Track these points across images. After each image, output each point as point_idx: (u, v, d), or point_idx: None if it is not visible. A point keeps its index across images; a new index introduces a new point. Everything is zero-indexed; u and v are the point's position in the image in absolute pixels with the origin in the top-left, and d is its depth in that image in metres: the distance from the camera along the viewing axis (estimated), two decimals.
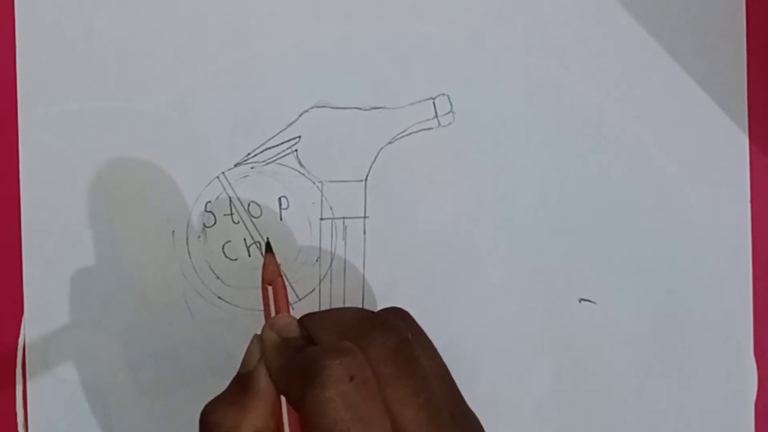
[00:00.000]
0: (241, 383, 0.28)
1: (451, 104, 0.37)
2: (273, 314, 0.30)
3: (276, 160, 0.36)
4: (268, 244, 0.32)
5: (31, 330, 0.36)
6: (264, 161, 0.36)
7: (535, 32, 0.37)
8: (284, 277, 0.31)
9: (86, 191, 0.36)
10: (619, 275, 0.38)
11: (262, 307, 0.36)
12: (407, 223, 0.37)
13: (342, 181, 0.37)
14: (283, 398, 0.27)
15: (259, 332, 0.29)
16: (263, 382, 0.27)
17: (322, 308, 0.36)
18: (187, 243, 0.36)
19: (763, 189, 0.38)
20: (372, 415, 0.24)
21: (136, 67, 0.36)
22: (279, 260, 0.31)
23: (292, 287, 0.36)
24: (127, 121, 0.36)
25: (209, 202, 0.36)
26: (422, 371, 0.26)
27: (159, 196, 0.36)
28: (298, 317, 0.29)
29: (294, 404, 0.26)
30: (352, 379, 0.25)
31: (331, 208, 0.37)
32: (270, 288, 0.30)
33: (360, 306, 0.37)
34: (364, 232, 0.37)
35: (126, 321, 0.36)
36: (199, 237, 0.36)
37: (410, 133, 0.37)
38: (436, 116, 0.37)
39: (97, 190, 0.36)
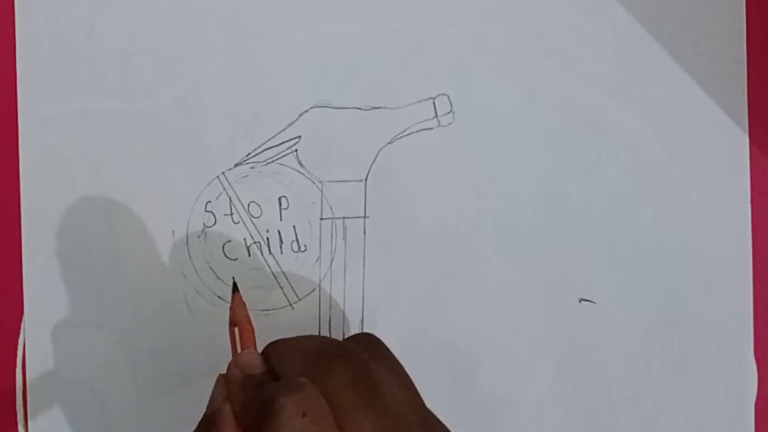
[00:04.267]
0: (206, 424, 0.28)
1: (451, 104, 0.37)
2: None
3: (276, 160, 0.36)
4: (234, 285, 0.32)
5: (31, 330, 0.36)
6: (264, 161, 0.36)
7: (535, 32, 0.37)
8: (250, 318, 0.31)
9: (86, 191, 0.36)
10: (619, 275, 0.38)
11: (261, 308, 0.36)
12: (407, 223, 0.37)
13: (342, 181, 0.37)
14: None
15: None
16: (228, 421, 0.27)
17: (322, 308, 0.36)
18: (187, 243, 0.36)
19: (763, 189, 0.38)
20: None
21: (136, 67, 0.36)
22: (245, 300, 0.31)
23: (292, 287, 0.36)
24: (127, 121, 0.36)
25: (209, 202, 0.36)
26: (382, 400, 0.26)
27: (159, 196, 0.36)
28: (266, 344, 0.29)
29: None
30: (304, 415, 0.25)
31: (331, 208, 0.37)
32: (236, 329, 0.30)
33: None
34: (364, 232, 0.37)
35: (126, 321, 0.36)
36: (199, 237, 0.36)
37: (410, 133, 0.37)
38: (436, 116, 0.37)
39: (97, 190, 0.36)
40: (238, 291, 0.32)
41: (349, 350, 0.27)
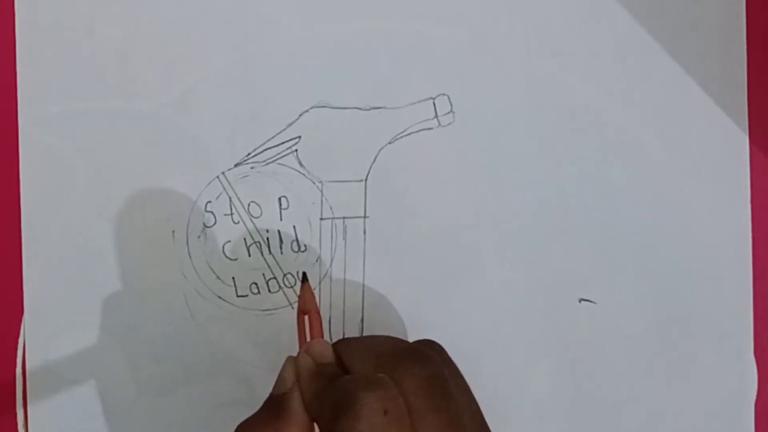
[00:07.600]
0: (275, 405, 0.27)
1: (451, 104, 0.37)
2: (309, 340, 0.30)
3: (276, 160, 0.36)
4: (304, 275, 0.32)
5: (31, 330, 0.36)
6: (264, 161, 0.36)
7: (535, 32, 0.37)
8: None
9: (86, 191, 0.36)
10: (619, 275, 0.38)
11: (261, 308, 0.36)
12: (407, 223, 0.37)
13: (342, 181, 0.37)
14: (316, 425, 0.27)
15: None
16: (297, 406, 0.27)
17: (322, 308, 0.36)
18: (187, 243, 0.36)
19: (763, 189, 0.38)
20: None
21: (136, 67, 0.36)
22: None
23: (292, 287, 0.36)
24: (127, 121, 0.36)
25: (209, 202, 0.36)
26: (456, 407, 0.26)
27: (159, 196, 0.36)
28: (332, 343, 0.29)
29: None
30: (386, 413, 0.24)
31: (331, 208, 0.37)
32: (306, 317, 0.31)
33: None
34: (364, 232, 0.37)
35: (126, 321, 0.36)
36: (199, 237, 0.36)
37: (410, 133, 0.37)
38: (436, 116, 0.37)
39: (97, 190, 0.36)
40: (308, 281, 0.32)
41: (424, 353, 0.27)
